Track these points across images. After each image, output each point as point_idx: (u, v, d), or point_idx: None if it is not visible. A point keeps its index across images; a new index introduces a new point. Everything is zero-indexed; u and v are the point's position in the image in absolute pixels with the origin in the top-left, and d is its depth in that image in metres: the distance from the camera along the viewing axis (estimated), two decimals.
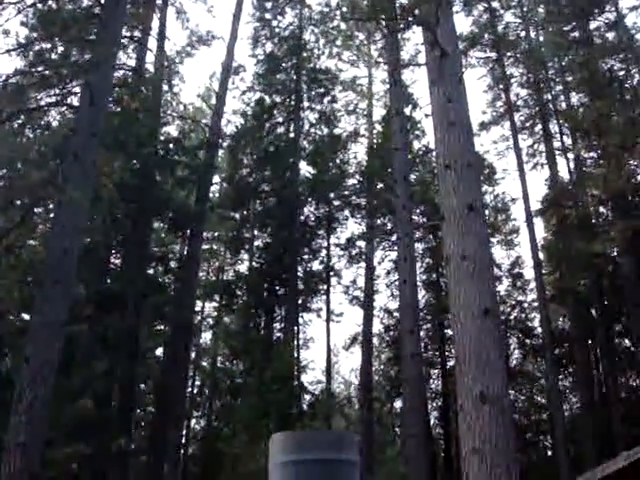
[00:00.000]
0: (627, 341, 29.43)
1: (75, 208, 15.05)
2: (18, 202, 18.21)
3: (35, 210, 19.48)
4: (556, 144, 29.83)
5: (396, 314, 30.95)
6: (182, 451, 31.03)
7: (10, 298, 18.27)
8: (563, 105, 30.41)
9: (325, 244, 32.03)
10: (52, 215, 17.59)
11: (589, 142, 26.66)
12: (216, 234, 35.03)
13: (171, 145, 25.92)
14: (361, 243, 32.72)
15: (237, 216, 30.51)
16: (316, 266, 31.38)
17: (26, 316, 19.58)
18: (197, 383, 34.77)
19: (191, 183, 26.72)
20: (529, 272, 33.54)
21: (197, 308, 33.46)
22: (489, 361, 9.86)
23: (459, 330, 10.34)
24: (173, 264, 28.16)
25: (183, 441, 31.14)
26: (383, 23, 16.93)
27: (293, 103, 31.42)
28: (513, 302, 33.71)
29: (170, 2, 28.13)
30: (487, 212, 30.79)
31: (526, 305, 33.63)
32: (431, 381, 33.21)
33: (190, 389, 32.70)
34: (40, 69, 18.55)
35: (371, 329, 31.63)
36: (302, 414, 23.59)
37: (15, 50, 18.60)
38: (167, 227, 27.29)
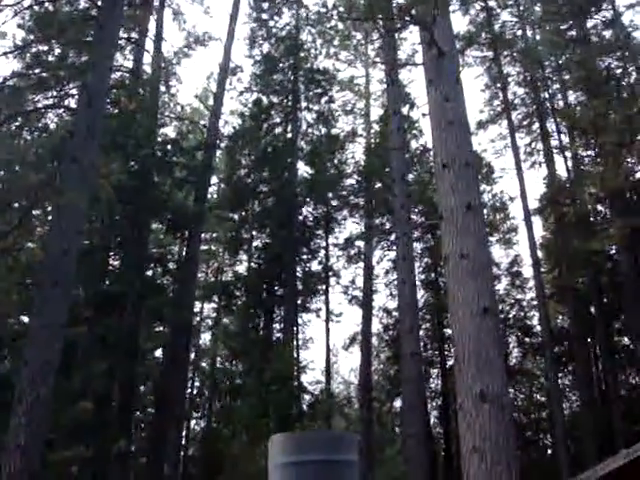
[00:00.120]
0: (626, 339, 29.45)
1: (73, 210, 15.05)
2: (16, 204, 18.21)
3: (33, 212, 19.48)
4: (553, 142, 29.86)
5: (395, 313, 30.96)
6: (182, 452, 31.03)
7: (9, 300, 18.26)
8: (560, 103, 30.40)
9: (324, 244, 32.04)
10: (50, 217, 17.59)
11: (586, 140, 26.68)
12: (215, 235, 35.04)
13: (169, 146, 25.90)
14: (360, 243, 32.75)
15: (235, 217, 30.50)
16: (315, 266, 31.41)
17: (25, 318, 19.59)
18: (197, 384, 34.78)
19: (189, 184, 26.70)
20: (528, 270, 33.64)
21: (196, 309, 33.49)
22: (489, 360, 9.86)
23: (458, 329, 10.35)
24: (172, 265, 28.15)
25: (183, 442, 31.16)
26: (380, 23, 16.91)
27: (290, 103, 31.40)
28: (512, 301, 33.74)
29: (167, 3, 28.16)
30: (485, 211, 30.83)
31: (525, 303, 33.66)
32: (431, 380, 33.22)
33: (190, 390, 32.71)
34: (37, 71, 18.58)
35: (370, 329, 31.65)
36: (302, 414, 23.59)
37: (12, 52, 18.64)
38: (165, 228, 27.26)
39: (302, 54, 32.07)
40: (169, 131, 28.86)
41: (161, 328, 27.30)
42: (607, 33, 27.28)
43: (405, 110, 31.23)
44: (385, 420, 34.82)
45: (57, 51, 20.12)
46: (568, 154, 29.26)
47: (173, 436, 24.72)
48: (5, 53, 18.18)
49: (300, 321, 30.60)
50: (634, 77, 26.07)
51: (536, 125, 30.57)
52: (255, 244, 31.00)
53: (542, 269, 28.98)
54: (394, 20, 15.72)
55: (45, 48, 19.76)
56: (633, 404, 26.90)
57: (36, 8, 19.57)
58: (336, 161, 32.32)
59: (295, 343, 28.41)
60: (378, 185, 31.84)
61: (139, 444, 27.22)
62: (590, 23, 27.74)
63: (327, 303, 31.29)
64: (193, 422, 34.99)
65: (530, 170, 31.34)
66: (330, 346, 31.13)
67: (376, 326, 33.31)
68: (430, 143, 20.33)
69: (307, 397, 26.24)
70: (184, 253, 28.14)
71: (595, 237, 24.25)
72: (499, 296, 31.36)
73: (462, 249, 10.74)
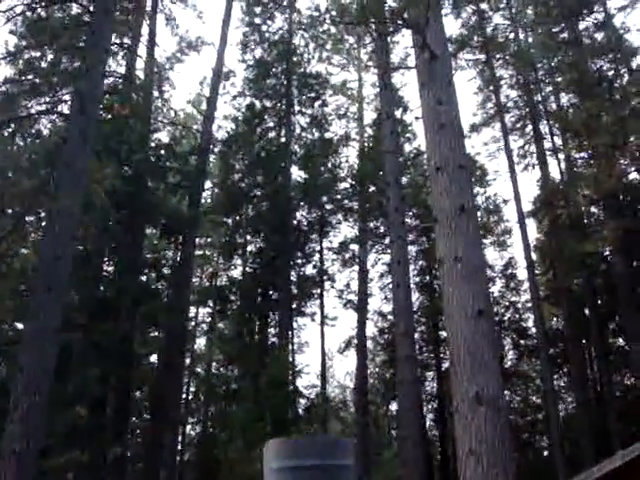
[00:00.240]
0: (621, 340, 29.53)
1: (67, 215, 15.03)
2: (10, 210, 18.17)
3: (27, 218, 19.44)
4: (547, 145, 29.92)
5: (390, 317, 31.02)
6: (178, 457, 30.99)
7: (3, 306, 18.22)
8: (553, 106, 30.48)
9: (318, 248, 32.06)
10: (44, 223, 17.55)
11: (579, 142, 26.70)
12: (209, 239, 35.04)
13: (162, 151, 25.87)
14: (354, 246, 32.78)
15: (230, 221, 30.48)
16: (309, 270, 31.44)
17: (20, 324, 19.55)
18: (192, 389, 34.78)
19: (183, 189, 26.68)
20: (522, 273, 33.66)
21: (191, 314, 33.48)
22: (484, 362, 9.86)
23: (453, 332, 10.34)
24: (166, 270, 28.08)
25: (179, 447, 31.12)
26: (373, 26, 16.95)
27: (284, 108, 31.42)
28: (507, 303, 33.81)
29: (159, 9, 28.13)
30: (479, 213, 30.88)
31: (520, 306, 33.75)
32: (426, 383, 33.29)
33: (185, 395, 32.68)
34: (30, 77, 18.56)
35: (365, 332, 31.66)
36: (298, 418, 23.58)
37: (5, 58, 18.62)
38: (160, 233, 27.22)
39: (295, 58, 32.10)
40: (162, 136, 28.91)
41: (156, 333, 27.26)
42: (599, 35, 27.35)
43: (398, 113, 31.30)
44: (381, 423, 34.90)
45: (50, 57, 20.10)
46: (561, 156, 29.35)
47: (169, 441, 24.67)
48: None
49: (295, 325, 30.67)
50: (626, 79, 26.15)
51: (529, 127, 30.63)
52: (249, 248, 30.99)
53: (536, 271, 29.02)
54: (386, 24, 15.75)
55: (38, 54, 19.74)
56: (628, 405, 26.95)
57: (28, 14, 19.56)
58: (330, 165, 32.37)
59: (290, 347, 28.41)
60: (372, 189, 31.89)
61: (135, 449, 27.19)
62: (582, 25, 27.81)
63: (322, 307, 31.33)
64: (189, 427, 35.01)
65: (523, 172, 31.44)
66: (325, 350, 31.20)
67: (371, 329, 33.47)
68: (423, 146, 20.32)
69: (303, 401, 26.26)
70: (178, 258, 28.10)
71: (589, 239, 24.30)
72: (494, 298, 31.42)
73: (456, 252, 10.74)
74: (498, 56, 30.11)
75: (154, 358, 28.54)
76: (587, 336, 28.47)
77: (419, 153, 32.37)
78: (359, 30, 28.86)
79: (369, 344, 33.60)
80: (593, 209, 28.97)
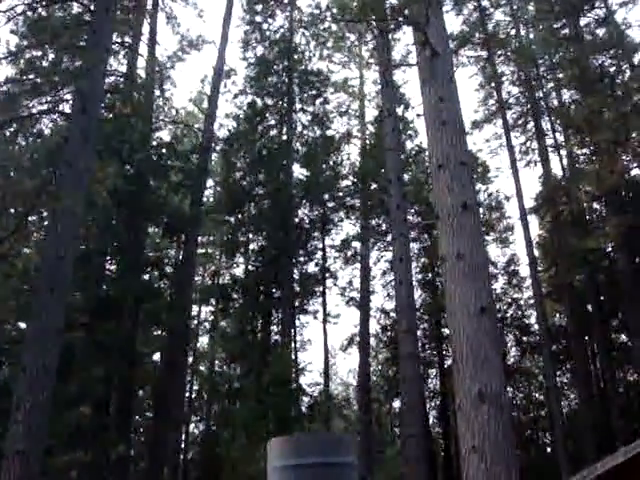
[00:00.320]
0: (624, 336, 29.50)
1: (69, 215, 15.04)
2: (12, 210, 18.19)
3: (29, 218, 19.45)
4: (549, 141, 29.90)
5: (393, 314, 30.99)
6: (181, 456, 31.04)
7: (6, 306, 18.25)
8: (555, 102, 30.47)
9: (320, 246, 32.05)
10: (46, 222, 17.57)
11: (581, 138, 26.68)
12: (211, 238, 35.05)
13: (164, 150, 25.88)
14: (356, 244, 32.76)
15: (232, 219, 30.47)
16: (312, 268, 31.43)
17: (22, 324, 19.57)
18: (195, 387, 34.78)
19: (185, 187, 26.68)
20: (524, 269, 33.81)
21: (193, 312, 33.49)
22: (487, 359, 9.86)
23: (456, 329, 10.34)
24: (168, 269, 28.13)
25: (182, 446, 31.17)
26: (374, 24, 16.95)
27: (285, 105, 31.41)
28: (509, 300, 33.80)
29: (160, 7, 28.13)
30: (481, 210, 30.88)
31: (522, 302, 33.75)
32: (429, 380, 33.29)
33: (188, 393, 32.70)
34: (31, 77, 18.55)
35: (368, 330, 31.61)
36: (301, 416, 23.58)
37: (6, 58, 18.61)
38: (162, 232, 27.24)
39: (296, 56, 32.08)
40: (164, 135, 28.95)
41: (158, 332, 27.30)
42: (600, 31, 27.31)
43: (400, 111, 31.25)
44: (384, 421, 34.91)
45: (51, 56, 20.10)
46: (563, 152, 29.31)
47: (172, 440, 24.71)
48: None
49: (298, 323, 30.65)
50: (628, 75, 26.11)
51: (531, 124, 30.61)
52: (252, 247, 30.99)
53: (539, 268, 29.01)
54: (387, 21, 15.75)
55: (39, 53, 19.74)
56: (631, 401, 26.97)
57: (29, 14, 19.56)
58: (331, 163, 32.37)
59: (293, 345, 28.43)
60: (374, 186, 31.86)
61: (138, 448, 27.22)
62: (583, 21, 27.79)
63: (324, 305, 31.33)
64: (192, 425, 35.02)
65: (525, 169, 31.46)
66: (328, 348, 31.18)
67: (374, 327, 33.36)
68: (425, 143, 20.33)
69: (306, 399, 26.25)
70: (180, 257, 28.13)
71: (591, 235, 24.28)
72: (496, 295, 31.39)
73: (459, 249, 10.73)
74: (499, 53, 30.10)
75: (157, 357, 28.59)
76: (590, 332, 28.45)
77: (421, 150, 32.32)
78: (360, 27, 28.92)
79: (372, 341, 33.57)
80: (595, 205, 28.97)
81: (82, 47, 19.07)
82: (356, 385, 34.56)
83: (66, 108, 19.49)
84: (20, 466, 12.68)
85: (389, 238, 29.90)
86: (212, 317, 35.41)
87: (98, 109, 18.44)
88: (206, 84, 33.18)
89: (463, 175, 11.52)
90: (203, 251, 35.03)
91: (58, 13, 20.91)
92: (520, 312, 33.68)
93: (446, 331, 29.01)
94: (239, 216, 30.53)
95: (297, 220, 30.45)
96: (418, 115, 32.40)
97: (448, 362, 30.15)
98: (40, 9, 20.04)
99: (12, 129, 19.30)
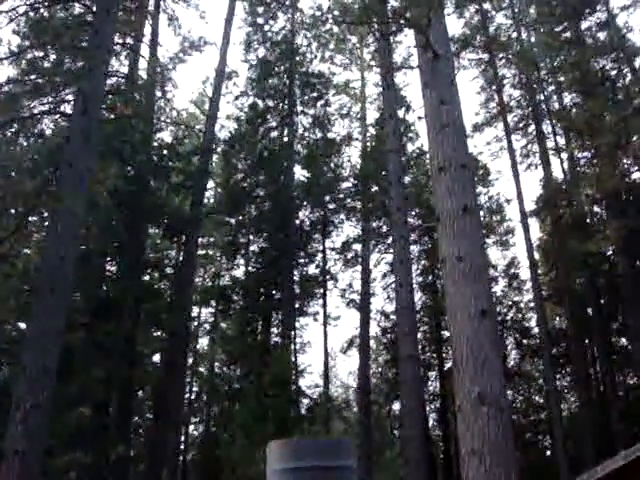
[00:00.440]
0: (624, 339, 29.46)
1: (70, 215, 15.05)
2: (13, 210, 18.20)
3: (30, 218, 19.46)
4: (550, 144, 29.89)
5: (393, 316, 30.95)
6: (181, 457, 31.04)
7: (6, 307, 18.25)
8: (556, 105, 30.45)
9: (321, 248, 32.04)
10: (47, 223, 17.57)
11: (582, 142, 26.70)
12: (211, 239, 35.05)
13: (165, 151, 25.89)
14: (357, 246, 32.73)
15: (232, 221, 30.48)
16: (312, 270, 31.44)
17: (23, 325, 19.57)
18: (195, 389, 34.78)
19: (186, 189, 26.71)
20: (525, 272, 33.68)
21: (194, 314, 33.49)
22: (487, 362, 9.86)
23: (456, 331, 10.35)
24: (169, 270, 28.14)
25: (182, 447, 31.16)
26: (375, 26, 16.94)
27: (286, 107, 31.43)
28: (509, 303, 33.75)
29: (162, 9, 28.14)
30: (482, 213, 30.87)
31: (522, 305, 33.68)
32: (429, 383, 33.23)
33: (188, 395, 32.70)
34: (33, 77, 18.56)
35: (368, 332, 31.60)
36: (301, 418, 23.57)
37: (8, 58, 18.63)
38: (162, 233, 27.25)
39: (297, 58, 32.11)
40: (165, 136, 28.90)
41: (158, 333, 27.29)
42: (602, 35, 27.35)
43: (401, 113, 31.25)
44: (384, 423, 34.86)
45: (52, 57, 20.11)
46: (564, 156, 29.30)
47: (172, 441, 24.70)
48: (0, 59, 18.18)
49: (298, 325, 30.64)
50: (629, 78, 26.12)
51: (532, 127, 30.60)
52: (252, 248, 31.00)
53: (539, 271, 28.99)
54: (389, 23, 15.75)
55: (40, 54, 19.75)
56: (631, 405, 26.92)
57: (31, 14, 19.57)
58: (332, 165, 32.37)
59: (293, 347, 28.42)
60: (374, 188, 31.84)
61: (138, 449, 27.20)
62: (584, 25, 27.81)
63: (325, 307, 31.33)
64: (192, 427, 35.02)
65: (526, 172, 31.44)
66: (328, 350, 31.15)
67: (374, 329, 33.33)
68: (426, 146, 20.31)
69: (306, 401, 26.28)
70: (181, 258, 28.13)
71: (592, 238, 24.25)
72: (496, 298, 31.36)
73: (459, 251, 10.74)
74: (501, 55, 30.12)
75: (157, 358, 28.59)
76: (590, 336, 28.43)
77: (422, 153, 32.30)
78: (361, 30, 28.91)
79: (372, 344, 33.57)
80: (596, 208, 28.95)
81: (84, 48, 19.09)
82: (356, 387, 34.55)
83: (67, 109, 19.50)
84: (20, 466, 12.67)
85: (389, 240, 29.89)
86: (212, 318, 35.45)
87: (99, 110, 18.44)
88: (207, 85, 33.23)
89: (464, 178, 11.53)
90: (203, 252, 35.04)
91: (60, 14, 20.93)
92: (520, 315, 33.63)
93: (446, 333, 29.01)
94: (240, 217, 30.53)
95: (298, 222, 30.45)
96: (419, 118, 32.42)
97: (448, 364, 30.12)
98: (42, 10, 20.06)
99: (13, 129, 19.32)
